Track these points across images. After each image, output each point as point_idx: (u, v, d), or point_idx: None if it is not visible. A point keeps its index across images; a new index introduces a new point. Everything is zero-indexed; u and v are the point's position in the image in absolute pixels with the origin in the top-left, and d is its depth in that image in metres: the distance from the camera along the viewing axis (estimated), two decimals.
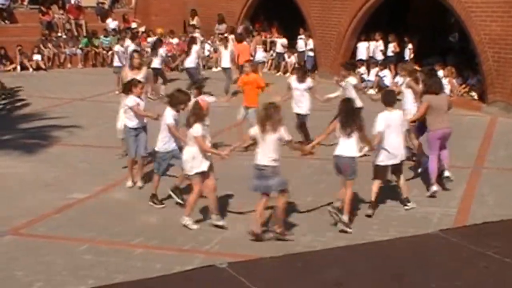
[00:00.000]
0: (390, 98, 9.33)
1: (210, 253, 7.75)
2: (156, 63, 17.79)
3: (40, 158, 12.05)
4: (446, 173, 9.97)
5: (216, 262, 6.84)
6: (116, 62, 18.75)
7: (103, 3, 27.37)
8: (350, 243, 7.83)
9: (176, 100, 9.13)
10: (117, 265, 7.38)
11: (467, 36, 16.85)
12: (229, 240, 8.13)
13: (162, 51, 18.69)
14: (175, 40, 24.28)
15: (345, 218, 8.43)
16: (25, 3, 26.50)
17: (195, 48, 18.49)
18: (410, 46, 19.92)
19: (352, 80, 12.07)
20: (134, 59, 12.00)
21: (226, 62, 18.72)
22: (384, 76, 19.21)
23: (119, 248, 7.91)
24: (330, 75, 20.44)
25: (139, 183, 10.18)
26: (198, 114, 8.48)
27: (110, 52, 24.48)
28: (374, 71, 19.72)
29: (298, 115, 12.19)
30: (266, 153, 7.98)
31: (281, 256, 7.17)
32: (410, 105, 10.97)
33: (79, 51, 24.55)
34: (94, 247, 7.93)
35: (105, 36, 24.91)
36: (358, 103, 10.98)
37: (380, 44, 20.37)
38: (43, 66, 23.05)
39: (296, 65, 13.85)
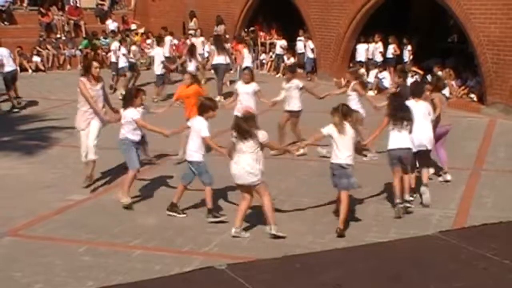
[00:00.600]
0: (419, 89, 9.94)
1: (209, 255, 7.74)
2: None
3: (39, 159, 12.05)
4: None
5: (215, 264, 6.83)
6: (123, 63, 18.78)
7: (102, 4, 27.38)
8: (349, 244, 7.83)
9: (206, 108, 8.90)
10: (116, 267, 7.37)
11: (466, 38, 16.86)
12: (228, 242, 8.12)
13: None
14: (174, 41, 24.26)
15: (408, 196, 9.11)
16: (25, 4, 26.54)
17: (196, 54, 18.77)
18: (409, 48, 19.94)
19: (297, 82, 12.30)
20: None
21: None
22: (383, 78, 19.24)
23: (118, 250, 7.90)
24: (330, 77, 20.51)
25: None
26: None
27: (109, 53, 24.52)
28: (373, 73, 19.72)
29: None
30: (345, 152, 8.32)
31: (280, 257, 7.16)
32: (355, 107, 11.28)
33: (78, 52, 24.56)
34: (93, 248, 7.92)
35: (105, 38, 24.91)
36: (298, 106, 12.11)
37: (379, 46, 20.38)
38: (42, 68, 23.07)
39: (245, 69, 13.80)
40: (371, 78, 19.69)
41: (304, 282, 5.89)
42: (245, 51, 20.01)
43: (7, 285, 6.96)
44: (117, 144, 9.60)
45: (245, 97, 11.86)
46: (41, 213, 9.11)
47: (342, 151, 8.33)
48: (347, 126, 8.37)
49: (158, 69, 18.36)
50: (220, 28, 25.34)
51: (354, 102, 11.74)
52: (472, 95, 17.22)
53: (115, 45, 19.53)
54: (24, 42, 21.57)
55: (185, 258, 7.63)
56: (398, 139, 8.97)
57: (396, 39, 20.03)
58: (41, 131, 14.18)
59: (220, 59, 18.41)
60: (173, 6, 27.09)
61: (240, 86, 12.13)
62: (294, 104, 12.21)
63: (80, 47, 24.74)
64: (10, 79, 16.72)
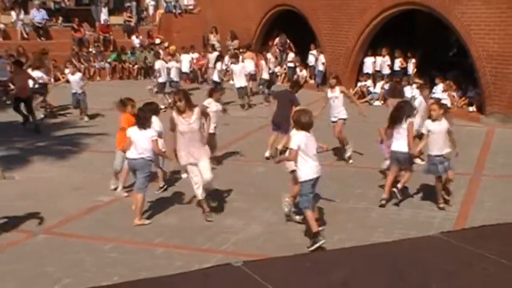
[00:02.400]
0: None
1: (226, 252, 7.73)
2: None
3: (71, 163, 12.11)
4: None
5: (232, 261, 6.83)
6: (162, 79, 18.36)
7: (129, 21, 27.54)
8: (356, 244, 7.79)
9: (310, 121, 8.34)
10: (140, 263, 7.38)
11: (466, 52, 16.77)
12: (244, 241, 8.11)
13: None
14: (195, 55, 24.41)
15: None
16: (59, 21, 26.77)
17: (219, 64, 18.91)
18: (413, 61, 19.88)
19: (341, 88, 12.11)
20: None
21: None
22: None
23: (142, 247, 7.91)
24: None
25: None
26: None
27: (136, 66, 24.68)
28: (379, 84, 19.67)
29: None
30: (443, 144, 8.89)
31: (292, 256, 7.13)
32: (341, 109, 11.81)
33: (107, 65, 24.72)
34: (119, 246, 7.94)
35: (132, 53, 25.08)
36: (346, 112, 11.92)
37: (387, 59, 20.34)
38: None
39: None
40: (377, 89, 19.63)
41: (313, 279, 5.87)
42: (262, 63, 20.09)
43: (40, 279, 6.99)
44: None
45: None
46: (72, 213, 9.16)
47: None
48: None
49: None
50: (235, 43, 25.53)
51: (340, 104, 11.81)
52: (472, 106, 17.13)
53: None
54: (58, 55, 21.72)
55: (204, 255, 7.62)
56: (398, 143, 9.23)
57: (402, 53, 20.00)
58: (73, 137, 14.26)
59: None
60: (195, 22, 27.17)
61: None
62: (343, 112, 11.94)
63: (108, 60, 24.91)
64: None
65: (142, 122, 8.73)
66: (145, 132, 8.65)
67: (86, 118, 16.29)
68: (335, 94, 11.87)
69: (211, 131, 10.83)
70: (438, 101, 10.85)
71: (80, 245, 7.96)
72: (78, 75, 16.82)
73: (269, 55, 20.82)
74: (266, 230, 8.44)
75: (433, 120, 9.13)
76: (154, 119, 9.33)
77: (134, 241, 8.11)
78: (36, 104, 16.00)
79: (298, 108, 8.84)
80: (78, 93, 16.26)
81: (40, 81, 16.17)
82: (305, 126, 7.64)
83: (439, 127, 9.06)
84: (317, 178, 7.80)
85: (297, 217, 8.58)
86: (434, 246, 7.17)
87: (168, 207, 9.34)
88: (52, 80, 21.38)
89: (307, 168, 7.68)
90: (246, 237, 8.21)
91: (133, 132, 8.71)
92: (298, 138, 7.60)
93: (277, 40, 24.22)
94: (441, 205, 9.25)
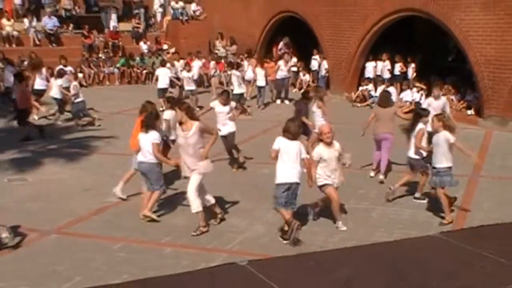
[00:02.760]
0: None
1: (231, 252, 7.73)
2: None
3: (81, 165, 12.13)
4: (380, 177, 10.76)
5: (237, 260, 6.85)
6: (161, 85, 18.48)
7: (138, 27, 27.59)
8: (358, 244, 7.78)
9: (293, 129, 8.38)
10: (149, 262, 7.39)
11: (465, 57, 16.75)
12: (249, 240, 8.11)
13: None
14: (201, 61, 24.42)
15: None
16: (70, 28, 26.83)
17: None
18: (413, 65, 19.86)
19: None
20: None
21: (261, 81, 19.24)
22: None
23: (150, 247, 7.92)
24: (342, 92, 20.44)
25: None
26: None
27: (144, 71, 24.71)
28: (380, 88, 19.63)
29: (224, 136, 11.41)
30: (441, 156, 8.68)
31: (296, 255, 7.15)
32: (319, 121, 11.58)
33: (116, 70, 24.77)
34: (127, 245, 7.95)
35: (141, 59, 25.14)
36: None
37: (387, 64, 20.31)
38: (84, 84, 23.23)
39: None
40: (378, 93, 19.58)
41: (317, 277, 5.87)
42: (258, 70, 19.84)
43: (51, 277, 7.00)
44: None
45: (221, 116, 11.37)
46: (82, 213, 9.17)
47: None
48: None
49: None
50: (233, 48, 25.63)
51: (318, 117, 11.81)
52: (471, 109, 17.09)
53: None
54: (69, 61, 21.70)
55: (210, 254, 7.62)
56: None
57: (402, 57, 19.98)
58: (82, 140, 14.28)
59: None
60: (201, 28, 27.20)
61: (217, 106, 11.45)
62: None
63: (117, 65, 24.94)
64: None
65: (146, 126, 8.74)
66: (148, 136, 8.66)
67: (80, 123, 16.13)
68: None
69: (222, 133, 10.92)
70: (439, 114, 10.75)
71: (90, 245, 7.97)
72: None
73: (281, 62, 20.45)
74: (270, 230, 8.43)
75: (434, 133, 9.05)
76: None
77: (142, 241, 8.12)
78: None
79: (290, 118, 8.87)
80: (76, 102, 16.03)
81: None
82: (291, 134, 7.93)
83: (437, 139, 8.86)
84: (292, 184, 7.89)
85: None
86: (434, 246, 7.17)
87: (176, 208, 9.34)
88: None
89: (283, 172, 7.89)
90: (250, 237, 8.21)
91: (141, 136, 8.74)
92: (279, 141, 7.94)
93: (281, 44, 24.19)
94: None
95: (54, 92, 16.42)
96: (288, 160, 7.87)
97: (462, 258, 6.54)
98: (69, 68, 19.68)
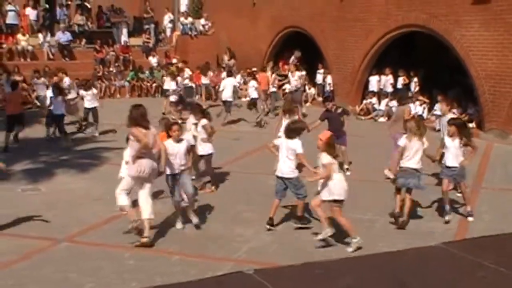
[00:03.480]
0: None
1: (238, 261, 7.73)
2: None
3: (92, 176, 12.17)
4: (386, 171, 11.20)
5: (244, 269, 6.82)
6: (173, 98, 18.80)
7: (148, 42, 27.76)
8: (362, 253, 7.76)
9: (298, 129, 8.73)
10: (157, 270, 7.40)
11: (466, 72, 16.76)
12: (256, 249, 8.11)
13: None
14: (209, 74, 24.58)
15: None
16: (82, 43, 27.05)
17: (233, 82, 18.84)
18: (415, 79, 19.88)
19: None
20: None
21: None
22: (393, 106, 19.12)
23: (159, 255, 7.93)
24: (346, 105, 20.46)
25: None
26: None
27: (154, 85, 24.82)
28: (384, 101, 19.66)
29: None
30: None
31: (302, 264, 7.11)
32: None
33: (126, 84, 24.89)
34: (137, 253, 7.96)
35: (150, 72, 25.26)
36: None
37: (390, 78, 20.34)
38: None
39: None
40: (382, 106, 19.62)
41: (322, 286, 5.85)
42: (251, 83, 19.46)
43: (63, 285, 7.02)
44: None
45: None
46: (93, 222, 9.20)
47: None
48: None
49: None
50: (231, 62, 25.75)
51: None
52: (472, 122, 17.07)
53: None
54: (81, 75, 21.81)
55: (217, 263, 7.63)
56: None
57: (405, 72, 20.01)
58: (94, 151, 14.33)
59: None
60: (209, 43, 27.34)
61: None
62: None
63: (128, 78, 25.07)
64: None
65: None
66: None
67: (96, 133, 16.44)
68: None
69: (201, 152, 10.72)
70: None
71: (100, 253, 7.99)
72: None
73: (294, 78, 20.36)
74: (277, 239, 8.43)
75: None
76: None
77: (151, 249, 8.12)
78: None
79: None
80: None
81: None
82: (289, 133, 8.64)
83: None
84: (282, 178, 8.61)
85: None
86: (437, 256, 7.13)
87: (184, 217, 9.33)
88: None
89: (277, 164, 8.72)
90: (257, 246, 8.21)
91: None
92: (279, 140, 9.03)
93: (293, 57, 24.23)
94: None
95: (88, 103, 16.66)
96: (281, 156, 8.64)
97: (464, 268, 6.51)
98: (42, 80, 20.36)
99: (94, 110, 16.56)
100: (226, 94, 17.85)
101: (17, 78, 19.72)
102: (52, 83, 17.03)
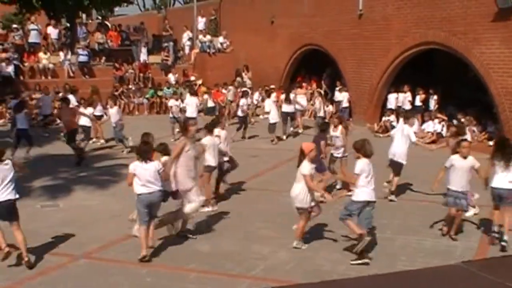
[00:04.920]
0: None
1: (255, 278, 7.70)
2: None
3: (110, 192, 12.25)
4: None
5: (261, 287, 6.81)
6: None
7: (167, 60, 28.03)
8: (379, 272, 7.70)
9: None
10: (174, 287, 7.39)
11: (486, 89, 16.66)
12: (272, 267, 8.08)
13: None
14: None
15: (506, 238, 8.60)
16: (102, 61, 27.42)
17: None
18: (435, 97, 19.79)
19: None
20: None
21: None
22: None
23: (176, 272, 7.93)
24: (364, 122, 20.43)
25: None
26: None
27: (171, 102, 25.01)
28: (402, 119, 19.53)
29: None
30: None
31: (319, 282, 7.10)
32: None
33: (145, 101, 25.11)
34: (154, 270, 7.97)
35: (168, 88, 25.47)
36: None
37: (408, 95, 20.27)
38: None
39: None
40: (400, 124, 19.49)
41: None
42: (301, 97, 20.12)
43: None
44: None
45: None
46: (111, 239, 9.24)
47: None
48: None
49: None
50: (238, 80, 25.93)
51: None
52: (492, 140, 16.90)
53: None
54: (101, 92, 22.10)
55: (234, 280, 7.61)
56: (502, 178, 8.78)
57: (423, 89, 19.95)
58: (112, 168, 14.43)
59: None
60: (227, 61, 27.54)
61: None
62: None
63: (147, 96, 25.30)
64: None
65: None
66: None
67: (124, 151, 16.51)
68: (336, 134, 11.95)
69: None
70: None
71: (118, 269, 8.02)
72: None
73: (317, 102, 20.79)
74: (294, 256, 8.39)
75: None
76: None
77: (168, 266, 8.13)
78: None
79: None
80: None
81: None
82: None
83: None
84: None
85: None
86: (456, 275, 7.06)
87: (200, 234, 9.36)
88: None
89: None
90: (274, 263, 8.18)
91: None
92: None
93: (324, 74, 24.26)
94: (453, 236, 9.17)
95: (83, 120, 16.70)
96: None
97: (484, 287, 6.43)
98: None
99: (86, 128, 16.68)
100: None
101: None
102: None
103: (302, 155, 8.53)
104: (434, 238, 9.21)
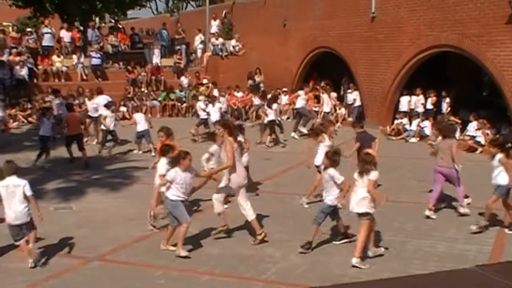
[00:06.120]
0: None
1: (268, 281, 7.70)
2: None
3: (123, 195, 12.31)
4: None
5: None
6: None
7: (179, 62, 28.13)
8: (392, 275, 7.66)
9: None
10: None
11: (499, 92, 16.56)
12: (285, 270, 8.07)
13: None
14: (239, 94, 24.77)
15: None
16: (119, 64, 27.62)
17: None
18: (447, 100, 19.70)
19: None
20: None
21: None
22: (424, 127, 19.00)
23: (189, 275, 7.95)
24: (376, 125, 20.37)
25: None
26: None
27: (184, 105, 25.07)
28: (415, 122, 19.50)
29: None
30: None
31: (331, 285, 7.08)
32: None
33: (157, 103, 25.20)
34: (167, 273, 8.00)
35: (180, 91, 25.55)
36: None
37: (421, 98, 20.19)
38: (127, 116, 23.67)
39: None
40: (413, 126, 19.45)
41: None
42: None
43: None
44: None
45: None
46: (124, 241, 9.28)
47: None
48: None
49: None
50: (250, 83, 25.93)
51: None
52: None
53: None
54: (114, 95, 22.17)
55: (247, 283, 7.62)
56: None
57: (435, 92, 19.86)
58: (124, 171, 14.50)
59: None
60: (239, 64, 27.58)
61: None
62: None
63: (159, 98, 25.39)
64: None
65: None
66: None
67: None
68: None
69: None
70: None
71: (131, 272, 8.05)
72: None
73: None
74: (306, 260, 8.38)
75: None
76: None
77: (181, 269, 8.15)
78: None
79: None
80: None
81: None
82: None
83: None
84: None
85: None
86: (470, 279, 7.01)
87: (212, 237, 9.37)
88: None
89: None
90: (286, 267, 8.17)
91: None
92: None
93: (344, 77, 24.25)
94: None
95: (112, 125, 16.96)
96: None
97: None
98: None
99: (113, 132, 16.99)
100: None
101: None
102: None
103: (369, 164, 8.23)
104: (447, 241, 9.16)
